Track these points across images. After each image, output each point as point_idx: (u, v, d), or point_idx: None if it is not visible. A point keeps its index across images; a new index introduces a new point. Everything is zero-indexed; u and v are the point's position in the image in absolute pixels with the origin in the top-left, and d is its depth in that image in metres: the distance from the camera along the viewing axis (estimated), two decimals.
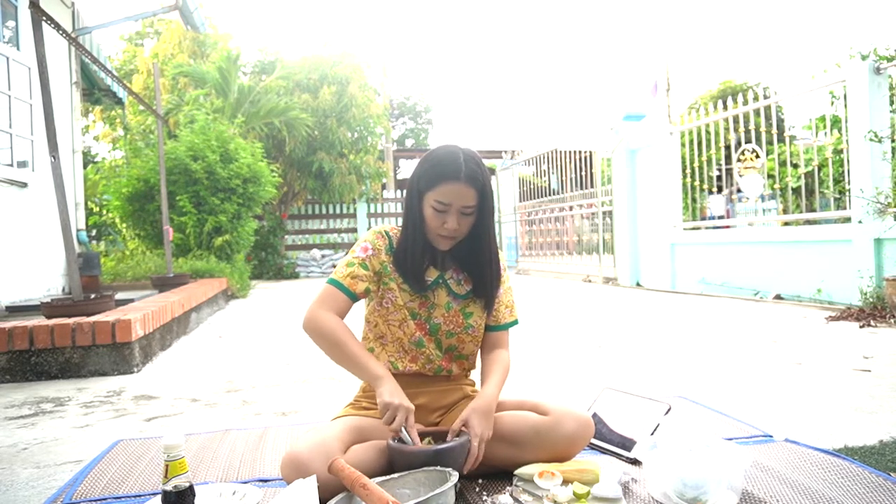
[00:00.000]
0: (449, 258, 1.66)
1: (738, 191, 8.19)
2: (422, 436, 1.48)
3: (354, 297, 1.59)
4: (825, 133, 7.27)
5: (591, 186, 9.23)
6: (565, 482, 1.42)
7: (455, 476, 1.29)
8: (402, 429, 1.42)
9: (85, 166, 9.99)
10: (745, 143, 6.42)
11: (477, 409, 1.49)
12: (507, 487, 1.47)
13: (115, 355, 3.18)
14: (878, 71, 4.95)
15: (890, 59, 5.02)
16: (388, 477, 1.36)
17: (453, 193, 1.50)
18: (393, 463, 1.41)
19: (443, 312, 1.63)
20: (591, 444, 1.76)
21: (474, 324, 1.65)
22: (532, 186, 11.47)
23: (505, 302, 1.70)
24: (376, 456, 1.46)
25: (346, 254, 1.69)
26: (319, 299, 1.57)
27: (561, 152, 9.97)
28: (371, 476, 1.43)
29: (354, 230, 13.75)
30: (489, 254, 1.62)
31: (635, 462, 1.62)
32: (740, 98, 6.23)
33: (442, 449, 1.36)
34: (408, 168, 20.89)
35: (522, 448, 1.51)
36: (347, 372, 1.56)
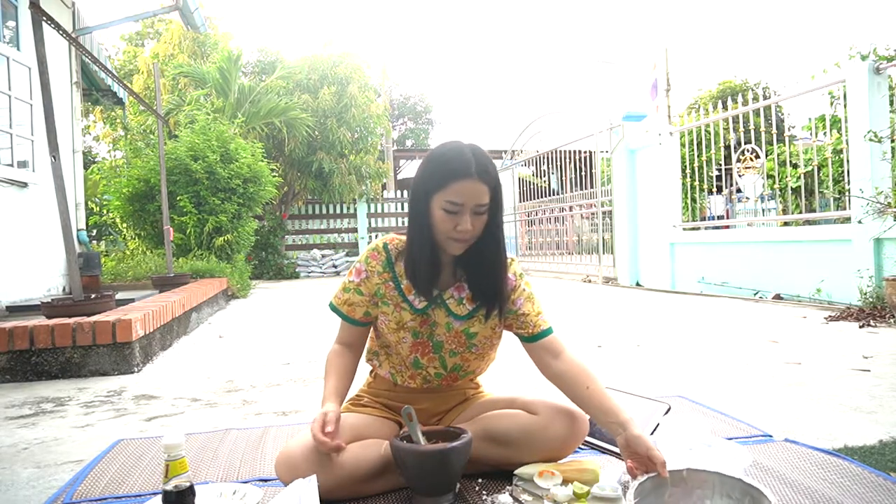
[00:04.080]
0: (455, 269, 1.56)
1: (738, 191, 8.20)
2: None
3: (359, 323, 1.60)
4: (825, 133, 7.27)
5: (591, 186, 9.24)
6: (565, 482, 1.42)
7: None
8: (411, 427, 1.42)
9: (85, 166, 10.00)
10: (745, 143, 6.43)
11: (647, 441, 1.34)
12: (507, 487, 1.47)
13: (115, 355, 3.18)
14: (877, 71, 4.95)
15: (890, 59, 5.02)
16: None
17: (466, 192, 1.40)
18: (399, 462, 1.40)
19: (444, 332, 1.56)
20: (592, 443, 1.76)
21: (478, 343, 1.59)
22: (532, 186, 11.48)
23: (534, 311, 1.58)
24: (368, 455, 1.45)
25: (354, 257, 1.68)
26: (338, 333, 1.63)
27: (561, 152, 9.98)
28: (365, 473, 1.43)
29: (354, 230, 13.76)
30: (498, 256, 1.50)
31: None
32: (740, 98, 6.23)
33: (453, 448, 1.35)
34: (408, 168, 20.87)
35: (514, 448, 1.49)
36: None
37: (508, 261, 1.57)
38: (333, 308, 1.60)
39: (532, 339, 1.56)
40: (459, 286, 1.56)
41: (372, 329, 1.67)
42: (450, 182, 1.40)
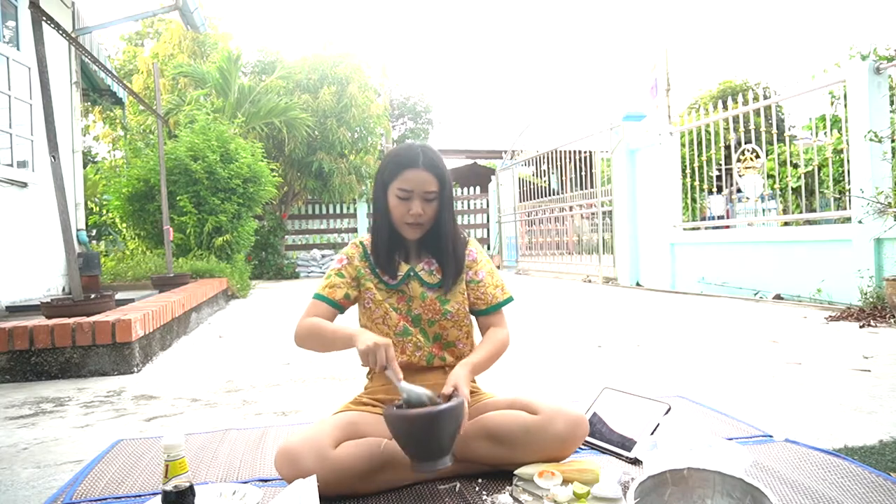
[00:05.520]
0: (420, 250, 1.73)
1: (738, 191, 8.21)
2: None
3: (337, 306, 1.71)
4: (825, 133, 7.27)
5: (591, 186, 9.23)
6: (565, 482, 1.42)
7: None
8: (391, 379, 1.43)
9: (85, 166, 10.00)
10: (745, 143, 6.43)
11: (461, 376, 1.54)
12: (507, 487, 1.47)
13: (115, 355, 3.18)
14: (878, 71, 4.95)
15: (890, 59, 5.02)
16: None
17: (414, 180, 1.60)
18: (392, 429, 1.40)
19: (420, 303, 1.70)
20: (591, 444, 1.76)
21: (452, 309, 1.71)
22: (532, 186, 11.47)
23: (493, 283, 1.77)
24: (367, 452, 1.46)
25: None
26: (304, 313, 1.72)
27: (561, 152, 9.97)
28: (364, 470, 1.44)
29: (354, 230, 13.76)
30: (450, 240, 1.69)
31: (635, 462, 1.62)
32: (740, 98, 6.23)
33: (441, 410, 1.35)
34: None
35: (514, 448, 1.50)
36: (340, 351, 1.61)
37: (466, 240, 1.78)
38: (318, 297, 1.73)
39: (485, 311, 1.75)
40: (428, 261, 1.74)
41: (361, 315, 1.77)
42: (400, 172, 1.62)
